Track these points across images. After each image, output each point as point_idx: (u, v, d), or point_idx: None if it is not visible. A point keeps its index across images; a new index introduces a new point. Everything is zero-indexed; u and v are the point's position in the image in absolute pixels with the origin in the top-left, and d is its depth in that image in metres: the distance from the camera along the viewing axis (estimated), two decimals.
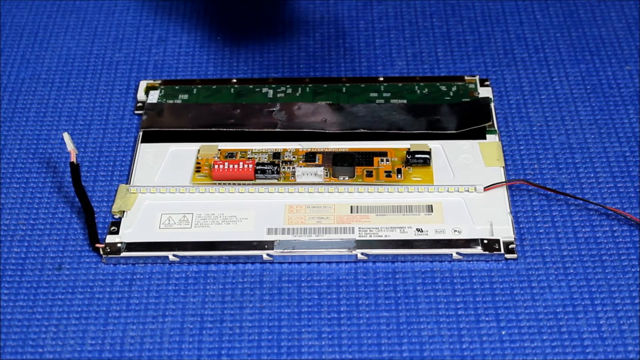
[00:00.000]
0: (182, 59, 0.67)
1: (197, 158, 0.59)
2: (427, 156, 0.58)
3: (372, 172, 0.58)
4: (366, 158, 0.59)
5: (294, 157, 0.59)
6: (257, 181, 0.58)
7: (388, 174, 0.58)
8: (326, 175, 0.58)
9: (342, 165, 0.58)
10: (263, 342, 0.51)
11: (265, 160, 0.59)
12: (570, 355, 0.50)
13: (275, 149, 0.60)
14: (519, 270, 0.54)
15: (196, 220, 0.56)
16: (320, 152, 0.59)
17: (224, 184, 0.58)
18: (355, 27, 0.69)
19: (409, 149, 0.59)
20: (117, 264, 0.55)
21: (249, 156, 0.59)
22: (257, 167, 0.58)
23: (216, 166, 0.58)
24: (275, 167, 0.58)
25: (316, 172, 0.58)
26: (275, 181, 0.58)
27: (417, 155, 0.58)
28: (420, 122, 0.61)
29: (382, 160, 0.59)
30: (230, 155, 0.59)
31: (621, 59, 0.66)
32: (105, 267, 0.55)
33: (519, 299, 0.53)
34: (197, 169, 0.59)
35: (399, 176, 0.58)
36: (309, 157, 0.59)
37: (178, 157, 0.60)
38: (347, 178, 0.58)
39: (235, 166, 0.58)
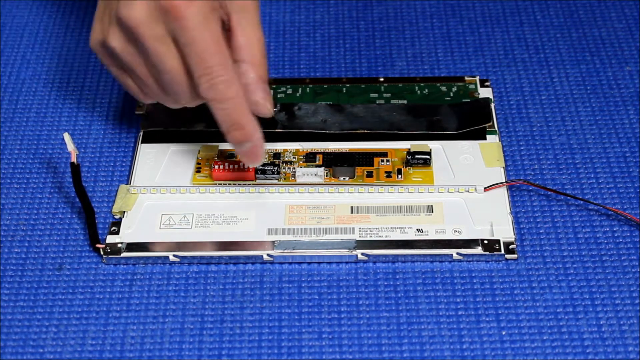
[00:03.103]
0: None
1: (198, 158, 0.59)
2: (427, 157, 0.58)
3: (372, 172, 0.58)
4: (366, 158, 0.59)
5: (294, 157, 0.59)
6: (258, 181, 0.58)
7: (388, 175, 0.58)
8: (326, 176, 0.58)
9: (342, 166, 0.58)
10: (263, 342, 0.51)
11: (266, 161, 0.59)
12: (571, 356, 0.50)
13: (276, 150, 0.60)
14: (519, 270, 0.54)
15: (196, 220, 0.56)
16: (320, 153, 0.59)
17: (224, 184, 0.58)
18: (355, 27, 0.69)
19: (409, 149, 0.59)
20: (117, 264, 0.55)
21: None
22: (258, 168, 0.58)
23: (216, 166, 0.58)
24: (276, 168, 0.58)
25: (316, 173, 0.58)
26: (276, 181, 0.58)
27: (417, 156, 0.58)
28: (421, 123, 0.61)
29: (382, 161, 0.59)
30: (231, 155, 0.59)
31: (621, 60, 0.66)
32: (106, 267, 0.55)
33: (519, 299, 0.53)
34: (198, 169, 0.59)
35: (399, 177, 0.58)
36: (309, 158, 0.59)
37: (178, 157, 0.60)
38: (347, 178, 0.58)
39: (236, 166, 0.58)
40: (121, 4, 0.52)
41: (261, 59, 0.54)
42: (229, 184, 0.58)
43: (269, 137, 0.60)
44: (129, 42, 0.53)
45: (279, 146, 0.60)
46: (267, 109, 0.55)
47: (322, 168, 0.58)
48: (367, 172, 0.58)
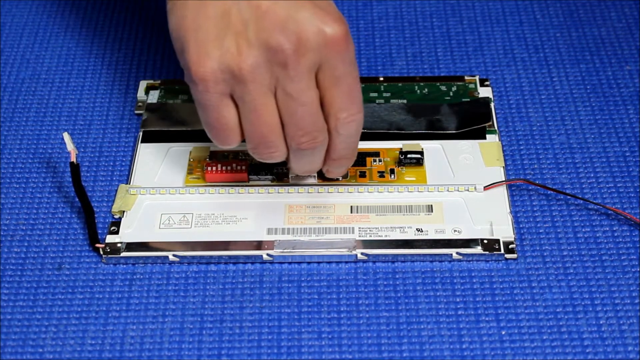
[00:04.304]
0: None
1: (190, 160, 0.59)
2: (419, 156, 0.58)
3: (365, 172, 0.58)
4: (359, 158, 0.59)
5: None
6: (251, 182, 0.58)
7: (381, 174, 0.58)
8: (319, 176, 0.58)
9: None
10: (263, 342, 0.51)
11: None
12: (570, 355, 0.50)
13: None
14: (519, 270, 0.54)
15: (196, 220, 0.56)
16: None
17: (217, 185, 0.58)
18: (355, 27, 0.69)
19: (401, 148, 0.59)
20: (117, 264, 0.55)
21: (241, 157, 0.59)
22: (250, 169, 0.58)
23: (209, 168, 0.58)
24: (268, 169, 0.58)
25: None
26: (269, 182, 0.58)
27: (409, 155, 0.58)
28: (420, 122, 0.61)
29: (374, 161, 0.59)
30: (223, 156, 0.59)
31: (621, 59, 0.66)
32: (105, 267, 0.55)
33: (519, 299, 0.53)
34: (190, 171, 0.59)
35: (392, 176, 0.58)
36: None
37: (177, 157, 0.60)
38: (340, 179, 0.58)
39: (228, 168, 0.58)
40: (275, 30, 0.49)
41: None
42: (222, 186, 0.58)
43: None
44: (267, 70, 0.49)
45: None
46: None
47: None
48: (360, 172, 0.58)
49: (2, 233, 0.57)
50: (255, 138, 0.52)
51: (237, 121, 0.51)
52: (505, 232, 0.55)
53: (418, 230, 0.55)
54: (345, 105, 0.51)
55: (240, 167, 0.58)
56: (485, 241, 0.55)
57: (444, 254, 0.54)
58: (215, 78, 0.49)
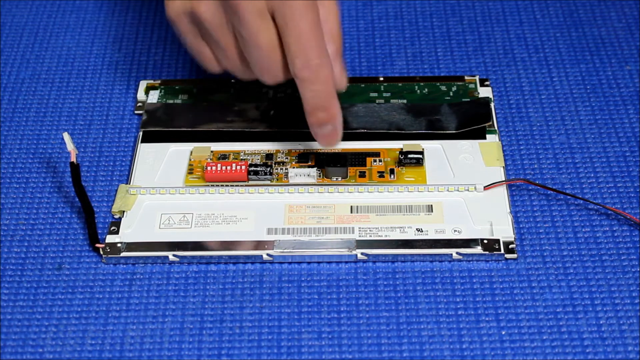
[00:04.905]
0: (181, 59, 0.67)
1: (190, 160, 0.59)
2: (419, 156, 0.58)
3: (365, 172, 0.58)
4: (359, 159, 0.59)
5: (286, 158, 0.59)
6: (250, 182, 0.58)
7: (381, 175, 0.58)
8: (319, 176, 0.58)
9: (334, 166, 0.58)
10: (263, 342, 0.51)
11: (258, 162, 0.59)
12: (570, 355, 0.50)
13: (269, 150, 0.60)
14: (519, 270, 0.54)
15: (196, 220, 0.56)
16: (313, 153, 0.59)
17: (217, 185, 0.58)
18: (355, 27, 0.69)
19: (402, 149, 0.59)
20: (117, 264, 0.55)
21: (241, 157, 0.59)
22: (250, 169, 0.58)
23: (209, 168, 0.58)
24: (268, 169, 0.58)
25: (309, 173, 0.58)
26: (268, 182, 0.58)
27: (409, 155, 0.58)
28: (420, 122, 0.61)
29: (374, 161, 0.59)
30: (223, 156, 0.59)
31: (621, 59, 0.66)
32: (105, 267, 0.55)
33: (519, 299, 0.53)
34: (190, 171, 0.59)
35: (392, 176, 0.58)
36: (302, 158, 0.59)
37: (177, 157, 0.60)
38: (339, 179, 0.58)
39: (228, 167, 0.58)
40: None
41: (338, 32, 0.55)
42: (221, 186, 0.58)
43: (268, 137, 0.60)
44: (221, 13, 0.53)
45: (277, 146, 0.60)
46: (343, 83, 0.56)
47: (315, 169, 0.58)
48: (360, 172, 0.58)
49: (2, 233, 0.57)
50: (229, 68, 0.56)
51: (213, 54, 0.56)
52: (505, 232, 0.55)
53: (418, 230, 0.55)
54: (297, 51, 0.52)
55: (240, 167, 0.58)
56: (485, 241, 0.55)
57: (444, 254, 0.54)
58: (180, 20, 0.55)
